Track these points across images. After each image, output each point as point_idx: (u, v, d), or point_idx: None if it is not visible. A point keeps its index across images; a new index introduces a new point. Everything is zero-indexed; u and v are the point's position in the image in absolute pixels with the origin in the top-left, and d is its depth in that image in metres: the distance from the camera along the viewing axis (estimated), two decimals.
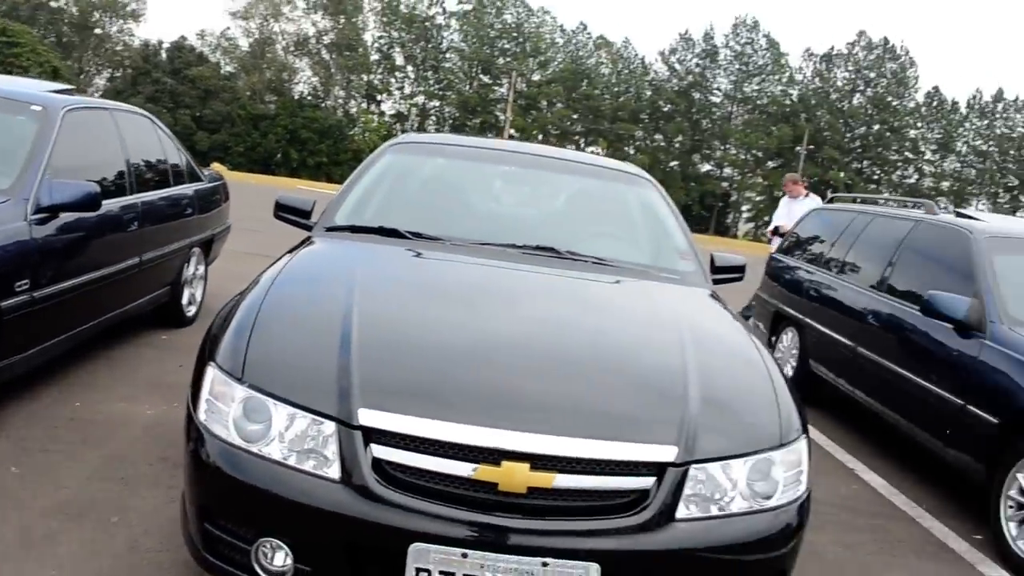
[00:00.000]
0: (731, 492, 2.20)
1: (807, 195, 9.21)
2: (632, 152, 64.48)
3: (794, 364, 6.28)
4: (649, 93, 66.49)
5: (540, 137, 63.64)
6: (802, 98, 65.82)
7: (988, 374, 4.08)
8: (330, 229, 3.45)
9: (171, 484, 3.34)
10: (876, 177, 65.89)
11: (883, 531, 4.05)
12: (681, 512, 2.12)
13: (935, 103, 66.59)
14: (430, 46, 64.37)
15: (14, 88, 4.55)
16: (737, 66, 66.86)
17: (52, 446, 3.57)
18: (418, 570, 1.97)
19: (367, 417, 2.05)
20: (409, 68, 64.70)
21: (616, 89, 66.37)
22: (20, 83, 4.96)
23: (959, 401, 4.22)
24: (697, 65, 67.02)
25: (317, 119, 56.45)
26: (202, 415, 2.21)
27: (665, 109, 66.06)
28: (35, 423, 3.79)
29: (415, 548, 1.96)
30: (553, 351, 2.52)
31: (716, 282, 3.70)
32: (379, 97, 64.48)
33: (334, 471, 2.03)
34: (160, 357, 5.13)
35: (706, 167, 67.87)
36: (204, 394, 2.24)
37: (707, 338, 2.85)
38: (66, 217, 3.95)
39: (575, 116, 64.62)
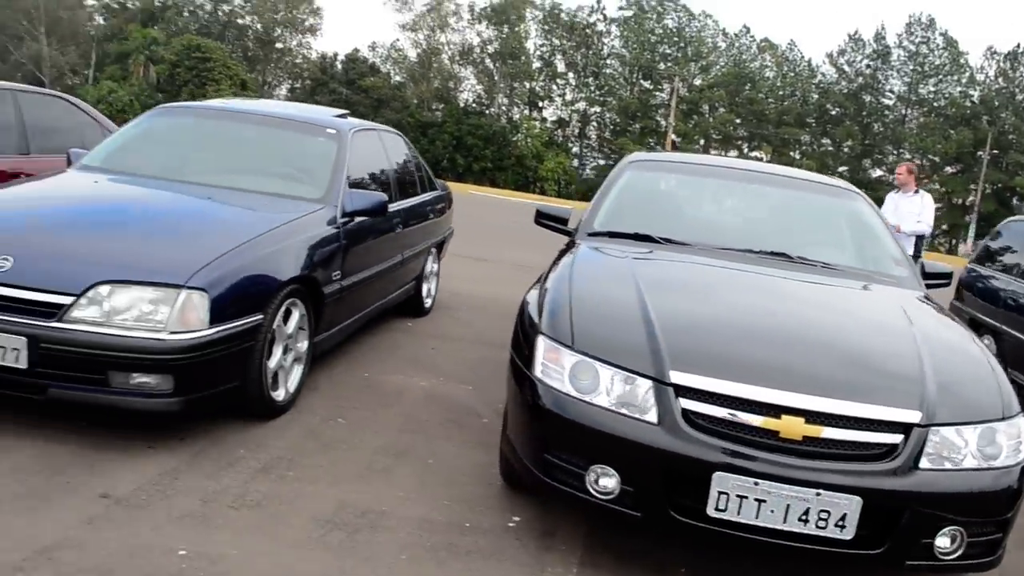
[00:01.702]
0: (963, 451, 2.72)
1: (916, 191, 8.62)
2: (798, 157, 62.86)
3: None
4: (816, 96, 64.61)
5: (702, 142, 63.15)
6: (984, 99, 62.20)
7: None
8: (592, 235, 4.14)
9: (462, 439, 4.11)
10: None
11: None
12: (923, 464, 2.67)
13: None
14: (591, 52, 65.08)
15: (309, 115, 5.52)
16: (912, 67, 63.92)
17: (360, 405, 4.42)
18: (719, 492, 2.60)
19: (677, 377, 2.72)
20: (570, 75, 65.65)
21: (781, 92, 64.91)
22: (309, 110, 5.96)
23: None
24: (868, 66, 64.53)
25: (481, 126, 58.30)
26: (539, 373, 2.93)
27: (833, 112, 64.02)
28: (339, 387, 4.65)
29: (718, 476, 2.60)
30: (811, 334, 3.14)
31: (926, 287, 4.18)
32: (541, 104, 65.76)
33: (652, 416, 2.70)
34: (411, 341, 5.99)
35: (877, 172, 65.26)
36: (539, 357, 2.96)
37: (931, 331, 3.36)
38: (359, 220, 4.81)
39: (738, 121, 63.69)
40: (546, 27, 65.08)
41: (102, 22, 62.96)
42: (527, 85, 64.65)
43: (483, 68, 64.43)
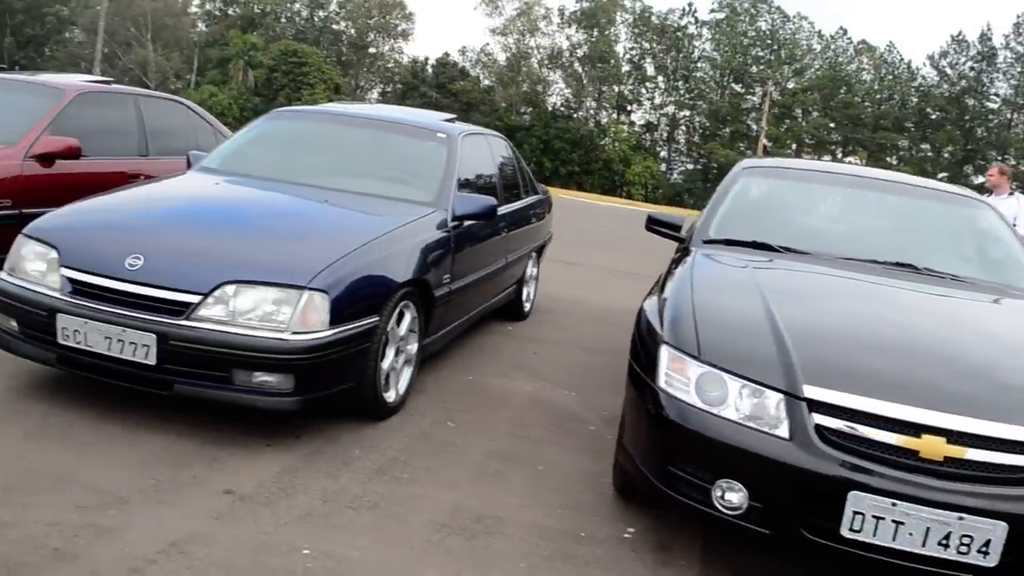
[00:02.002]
0: None
1: (1011, 192, 8.22)
2: (895, 163, 60.89)
3: None
4: (916, 100, 62.50)
5: (794, 147, 61.75)
6: None
7: None
8: (707, 242, 4.05)
9: (570, 445, 4.08)
10: None
11: None
12: None
13: None
14: (681, 56, 64.38)
15: (419, 119, 5.57)
16: (1019, 68, 61.18)
17: (467, 408, 4.42)
18: (854, 512, 2.49)
19: (811, 392, 2.63)
20: (660, 78, 65.07)
21: (878, 96, 62.98)
22: (419, 114, 6.02)
23: None
24: (971, 68, 62.06)
25: (569, 129, 58.29)
26: (662, 383, 2.86)
27: (934, 117, 61.82)
28: (446, 389, 4.67)
29: (854, 495, 2.49)
30: (947, 349, 3.01)
31: None
32: (629, 107, 65.35)
33: (783, 431, 2.61)
34: (512, 344, 5.98)
35: (979, 179, 62.67)
36: (662, 367, 2.90)
37: None
38: (467, 223, 4.82)
39: (832, 125, 62.06)
40: (636, 30, 64.65)
41: (204, 29, 65.37)
42: (616, 89, 64.32)
43: (572, 72, 64.35)
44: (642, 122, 65.55)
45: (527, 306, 6.85)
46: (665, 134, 65.82)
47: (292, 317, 3.34)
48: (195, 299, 3.33)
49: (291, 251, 3.62)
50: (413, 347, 4.21)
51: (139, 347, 3.29)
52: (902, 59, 64.36)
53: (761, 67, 62.95)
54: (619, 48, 64.39)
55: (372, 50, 67.43)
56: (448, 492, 3.36)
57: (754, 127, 61.54)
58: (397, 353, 4.01)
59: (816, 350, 2.83)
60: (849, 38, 64.59)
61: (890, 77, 63.78)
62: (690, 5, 65.42)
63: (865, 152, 60.93)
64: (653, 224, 4.47)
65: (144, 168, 6.26)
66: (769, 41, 64.04)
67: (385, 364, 3.86)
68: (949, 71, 62.70)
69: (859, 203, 4.63)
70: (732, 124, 62.78)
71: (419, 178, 4.83)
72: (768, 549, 3.06)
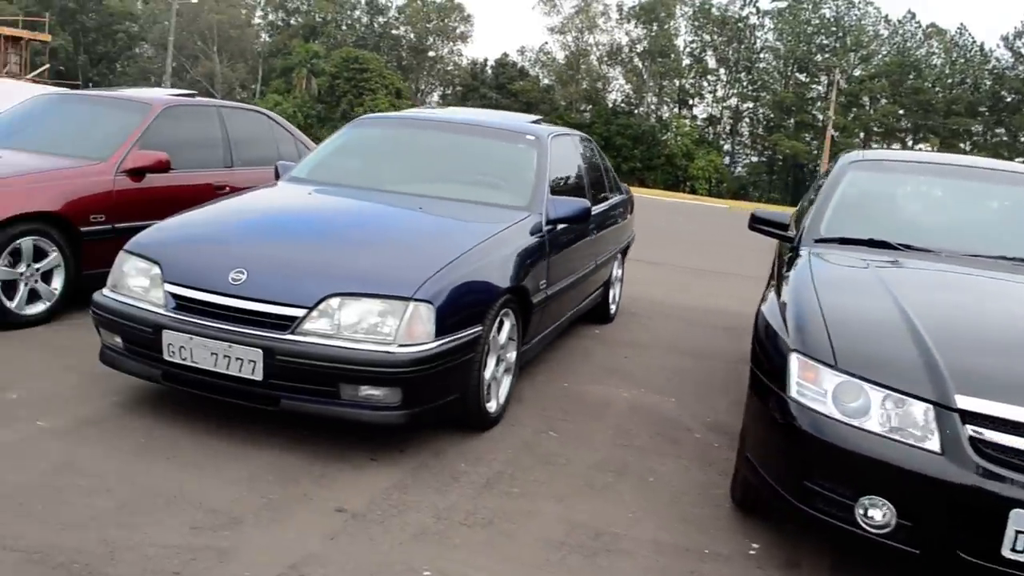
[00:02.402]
0: None
1: None
2: (969, 149, 58.98)
3: None
4: (989, 83, 60.39)
5: (862, 136, 60.24)
6: None
7: None
8: (819, 241, 3.85)
9: (677, 455, 3.94)
10: None
11: None
12: None
13: None
14: (743, 47, 63.33)
15: (506, 121, 5.47)
16: None
17: (567, 416, 4.31)
18: (1017, 532, 2.31)
19: (964, 402, 2.44)
20: (721, 71, 64.12)
21: (949, 81, 61.09)
22: (504, 116, 5.93)
23: None
24: None
25: (630, 125, 57.86)
26: (794, 393, 2.70)
27: (1009, 100, 59.67)
28: (543, 397, 4.56)
29: (1016, 513, 2.30)
30: None
31: None
32: (691, 101, 64.58)
33: (933, 444, 2.43)
34: (602, 349, 5.85)
35: None
36: (793, 376, 2.73)
37: None
38: (560, 227, 4.70)
39: (901, 112, 60.36)
40: (696, 23, 63.86)
41: (268, 39, 66.54)
42: (676, 83, 63.63)
43: (631, 67, 63.89)
44: (704, 116, 64.74)
45: (612, 308, 6.72)
46: (728, 127, 64.83)
47: (398, 329, 3.26)
48: (300, 313, 3.28)
49: (394, 261, 3.55)
50: (512, 355, 4.12)
51: (245, 363, 3.26)
52: (974, 41, 62.40)
53: (826, 55, 61.57)
54: (679, 42, 63.71)
55: (431, 53, 67.87)
56: (559, 506, 3.25)
57: (820, 117, 60.22)
58: (497, 362, 3.92)
59: (962, 355, 2.63)
60: (918, 22, 62.87)
61: (962, 60, 61.77)
62: None
63: (937, 139, 59.15)
64: (757, 223, 4.28)
65: (229, 180, 6.30)
66: (834, 28, 62.60)
67: (487, 374, 3.77)
68: None
69: (976, 195, 4.38)
70: (797, 115, 61.50)
71: (511, 182, 4.73)
72: (897, 566, 2.88)
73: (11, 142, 5.68)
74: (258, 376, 3.26)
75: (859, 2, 63.07)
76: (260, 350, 3.24)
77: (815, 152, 58.81)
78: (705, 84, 64.62)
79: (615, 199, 6.45)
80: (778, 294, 3.29)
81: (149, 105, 5.97)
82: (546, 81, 64.79)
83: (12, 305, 4.86)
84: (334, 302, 3.29)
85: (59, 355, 4.48)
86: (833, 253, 3.69)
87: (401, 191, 4.52)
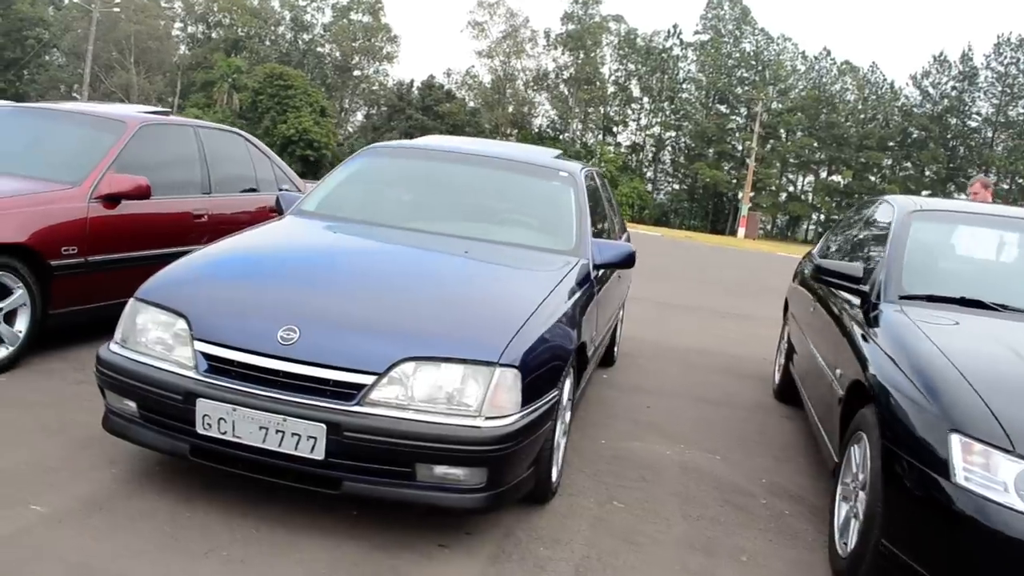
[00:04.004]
0: None
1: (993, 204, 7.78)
2: (878, 182, 61.20)
3: None
4: (899, 119, 62.92)
5: (779, 166, 61.88)
6: None
7: None
8: (904, 298, 3.55)
9: (755, 527, 3.60)
10: None
11: None
12: None
13: None
14: (667, 77, 64.47)
15: (534, 156, 5.04)
16: (1000, 88, 61.84)
17: (622, 482, 3.90)
18: None
19: None
20: (645, 99, 65.11)
21: (862, 116, 63.40)
22: (528, 150, 5.51)
23: None
24: (953, 88, 62.65)
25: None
26: (960, 479, 2.38)
27: (916, 136, 62.26)
28: (587, 459, 4.14)
29: None
30: None
31: None
32: (615, 128, 65.31)
33: None
34: (618, 396, 5.47)
35: (961, 196, 63.08)
36: (957, 460, 2.42)
37: None
38: (601, 272, 4.31)
39: (816, 144, 62.25)
40: (622, 52, 64.77)
41: (187, 52, 64.59)
42: (602, 110, 64.29)
43: (557, 93, 64.28)
44: (628, 143, 65.57)
45: (615, 350, 6.37)
46: (651, 155, 65.80)
47: (484, 400, 2.81)
48: (368, 380, 2.80)
49: (467, 319, 3.09)
50: (568, 416, 3.70)
51: (304, 439, 2.75)
52: (885, 79, 64.93)
53: (746, 88, 63.16)
54: (605, 70, 64.47)
55: (357, 73, 67.02)
56: None
57: (739, 147, 61.68)
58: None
59: None
60: (833, 59, 65.05)
61: (873, 97, 64.22)
62: (675, 27, 65.47)
63: (849, 171, 61.21)
64: (824, 275, 3.96)
65: (210, 208, 5.74)
66: (754, 62, 64.35)
67: (556, 440, 3.35)
68: (931, 91, 63.25)
69: None
70: (717, 145, 62.85)
71: (550, 223, 4.32)
72: None
73: None
74: (318, 455, 2.75)
75: (778, 38, 65.11)
76: (323, 424, 2.73)
77: (734, 181, 60.17)
78: (629, 112, 65.52)
79: (626, 235, 6.11)
80: (891, 359, 2.97)
81: (123, 123, 5.35)
82: (472, 104, 64.62)
83: None
84: (408, 367, 2.81)
85: (32, 413, 3.85)
86: (934, 313, 3.39)
87: (434, 231, 4.06)
